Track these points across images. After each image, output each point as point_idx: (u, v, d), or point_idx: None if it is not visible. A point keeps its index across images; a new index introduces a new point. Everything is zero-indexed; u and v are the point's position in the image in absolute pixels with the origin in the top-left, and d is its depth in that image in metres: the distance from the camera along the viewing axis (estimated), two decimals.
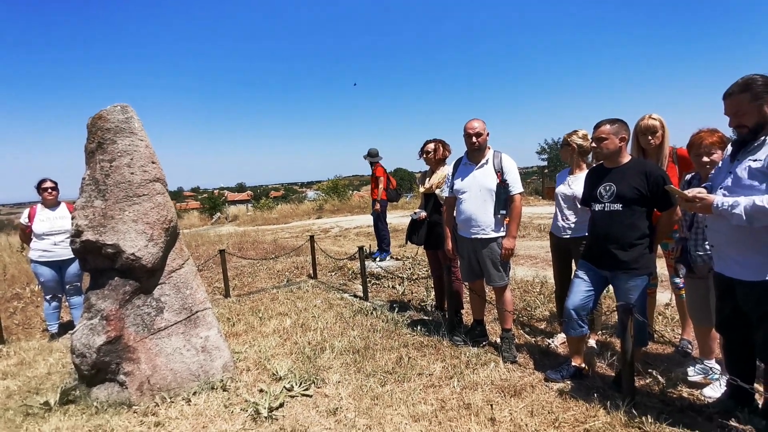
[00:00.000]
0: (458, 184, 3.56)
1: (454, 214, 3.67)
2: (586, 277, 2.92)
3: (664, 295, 4.45)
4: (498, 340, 3.65)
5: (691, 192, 2.23)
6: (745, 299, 2.18)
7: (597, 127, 2.82)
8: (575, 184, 3.40)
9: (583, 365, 3.07)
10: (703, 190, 2.26)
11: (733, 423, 2.34)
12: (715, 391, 2.70)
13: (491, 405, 2.69)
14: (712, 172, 2.47)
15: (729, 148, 2.33)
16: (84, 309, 3.07)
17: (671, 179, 3.07)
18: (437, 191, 4.22)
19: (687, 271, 2.76)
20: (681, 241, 2.79)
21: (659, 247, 3.19)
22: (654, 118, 3.13)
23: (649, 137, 3.13)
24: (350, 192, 24.36)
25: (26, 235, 4.69)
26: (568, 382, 2.96)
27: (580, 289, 2.92)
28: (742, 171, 2.13)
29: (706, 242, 2.63)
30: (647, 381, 2.92)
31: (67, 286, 4.72)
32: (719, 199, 2.13)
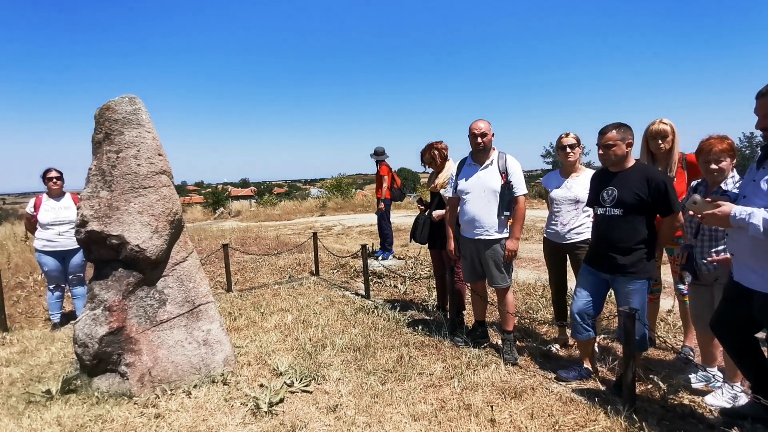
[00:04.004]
0: (462, 184, 3.55)
1: (458, 215, 3.66)
2: (588, 281, 2.93)
3: (666, 302, 4.43)
4: (499, 342, 3.65)
5: (706, 211, 2.11)
6: (762, 311, 2.11)
7: (603, 133, 2.75)
8: (576, 186, 3.37)
9: (590, 368, 3.08)
10: (725, 203, 2.17)
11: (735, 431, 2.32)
12: (716, 399, 2.69)
13: (491, 406, 2.68)
14: (730, 180, 2.40)
15: (758, 152, 2.16)
16: (87, 299, 3.08)
17: (680, 185, 3.04)
18: (442, 191, 4.21)
19: (693, 278, 2.74)
20: (687, 248, 2.77)
21: (664, 252, 3.17)
22: (665, 123, 3.11)
23: (659, 142, 3.11)
24: (354, 190, 24.38)
25: (31, 224, 4.71)
26: (571, 385, 2.96)
27: (584, 292, 2.92)
28: (763, 182, 2.01)
29: (713, 249, 2.61)
30: (648, 386, 2.91)
31: (70, 277, 4.74)
32: (737, 209, 2.00)
